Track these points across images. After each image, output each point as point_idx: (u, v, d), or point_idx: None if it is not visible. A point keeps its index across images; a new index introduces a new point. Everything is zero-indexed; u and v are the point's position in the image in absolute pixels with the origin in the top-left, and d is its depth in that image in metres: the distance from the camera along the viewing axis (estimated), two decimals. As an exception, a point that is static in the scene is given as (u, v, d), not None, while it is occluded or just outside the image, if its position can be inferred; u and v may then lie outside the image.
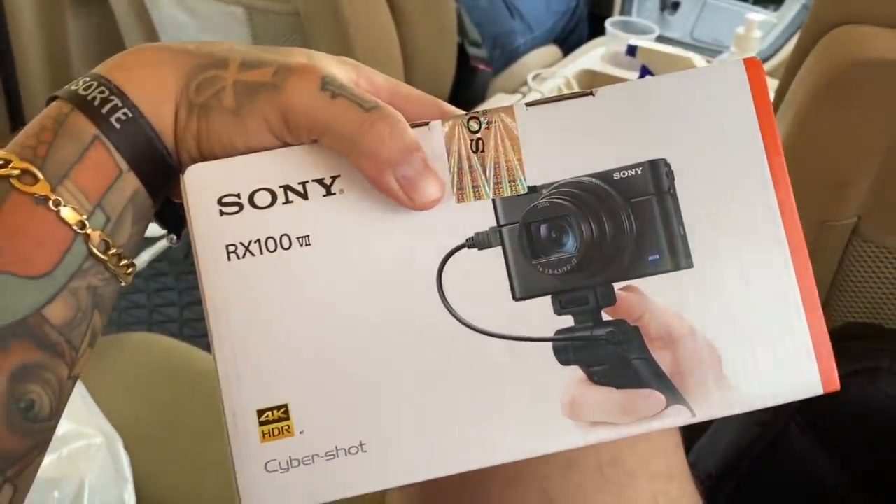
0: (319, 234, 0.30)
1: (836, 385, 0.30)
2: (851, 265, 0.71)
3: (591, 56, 1.53)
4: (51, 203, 0.28)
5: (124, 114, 0.30)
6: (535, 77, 1.45)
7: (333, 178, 0.30)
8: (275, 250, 0.30)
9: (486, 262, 0.30)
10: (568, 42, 1.77)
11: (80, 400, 0.68)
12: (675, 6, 1.95)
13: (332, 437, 0.30)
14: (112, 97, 0.30)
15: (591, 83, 1.47)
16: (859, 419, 0.56)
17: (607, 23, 1.53)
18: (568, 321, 0.30)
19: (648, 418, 0.30)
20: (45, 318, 0.28)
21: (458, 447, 0.30)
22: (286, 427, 0.30)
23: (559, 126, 0.30)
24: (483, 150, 0.30)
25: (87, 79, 0.30)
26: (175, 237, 0.35)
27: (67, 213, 0.29)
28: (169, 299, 1.55)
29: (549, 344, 0.30)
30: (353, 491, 0.30)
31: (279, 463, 0.30)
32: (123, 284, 0.32)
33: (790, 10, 1.76)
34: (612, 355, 0.30)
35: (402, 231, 0.30)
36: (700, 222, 0.30)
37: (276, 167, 0.30)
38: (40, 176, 0.29)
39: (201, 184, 0.30)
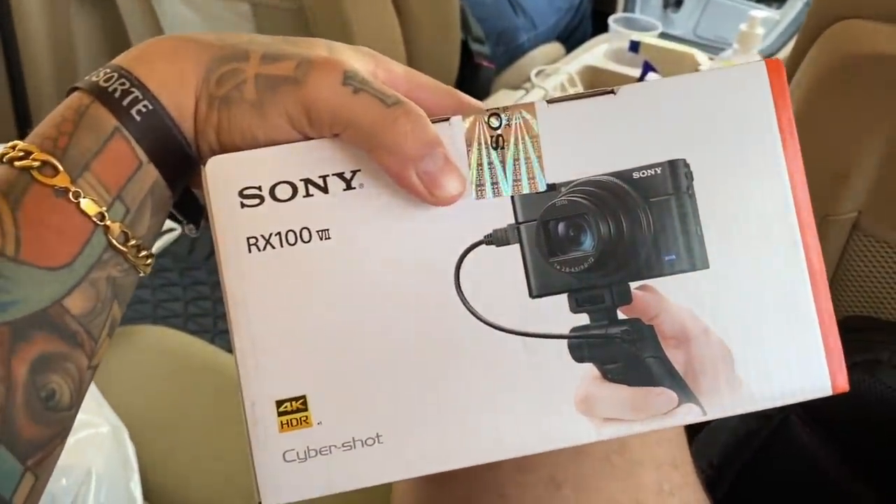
0: (339, 228, 0.30)
1: (845, 386, 0.31)
2: (852, 259, 0.72)
3: (595, 53, 1.53)
4: (71, 195, 0.29)
5: (145, 106, 0.30)
6: (538, 73, 1.45)
7: (354, 173, 0.30)
8: (295, 243, 0.30)
9: (504, 258, 0.30)
10: (571, 39, 1.77)
11: (87, 391, 0.68)
12: (679, 3, 1.95)
13: (350, 429, 0.30)
14: (133, 89, 0.30)
15: (593, 79, 1.47)
16: (859, 410, 0.56)
17: (610, 19, 1.53)
18: (583, 319, 0.30)
19: (660, 416, 0.30)
20: (65, 309, 0.29)
21: (473, 440, 0.30)
22: (304, 418, 0.30)
23: (579, 124, 0.31)
24: (503, 147, 0.31)
25: (108, 70, 0.31)
26: (194, 227, 0.35)
27: (87, 204, 0.29)
28: (173, 294, 1.55)
29: (565, 341, 0.30)
30: (370, 481, 0.30)
31: (297, 453, 0.30)
32: (142, 275, 0.32)
33: (793, 8, 1.76)
34: (627, 353, 0.30)
35: (421, 226, 0.30)
36: (717, 223, 0.30)
37: (296, 161, 0.30)
38: (60, 168, 0.29)
39: (223, 175, 0.30)
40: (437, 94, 0.33)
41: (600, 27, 1.71)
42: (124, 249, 0.30)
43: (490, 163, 0.31)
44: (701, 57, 1.38)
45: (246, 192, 0.30)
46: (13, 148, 0.29)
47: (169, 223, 0.34)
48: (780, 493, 0.62)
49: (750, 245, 0.31)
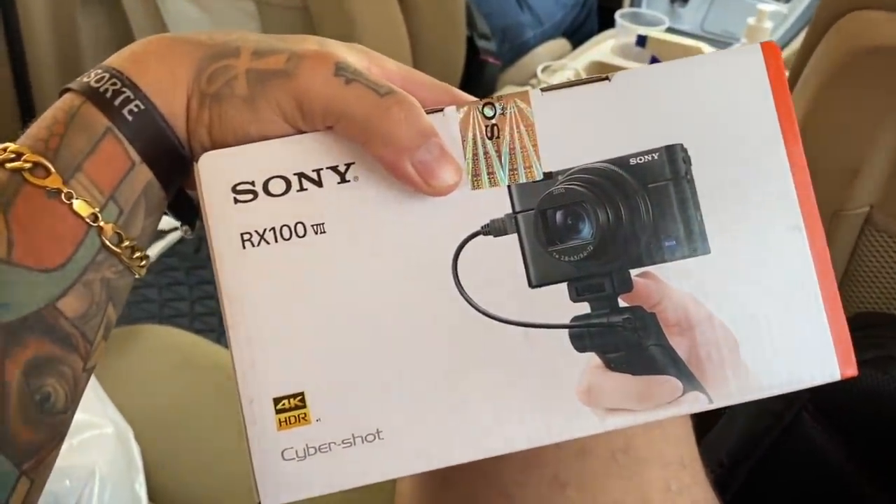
0: (334, 221, 0.30)
1: (853, 370, 0.30)
2: (864, 255, 0.71)
3: (601, 48, 1.53)
4: (63, 196, 0.28)
5: (136, 106, 0.30)
6: (544, 69, 1.45)
7: (348, 166, 0.30)
8: (290, 238, 0.30)
9: (502, 248, 0.30)
10: (578, 35, 1.76)
11: (90, 391, 0.69)
12: (686, -2, 1.94)
13: (349, 425, 0.30)
14: (124, 89, 0.30)
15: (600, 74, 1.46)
16: (871, 407, 0.56)
17: (617, 14, 1.53)
18: (584, 308, 0.30)
19: (665, 405, 0.30)
20: (59, 311, 0.28)
21: (475, 434, 0.30)
22: (303, 415, 0.30)
23: (575, 111, 0.30)
24: (498, 137, 0.30)
25: (100, 71, 0.30)
26: (189, 228, 0.35)
27: (80, 205, 0.29)
28: (179, 294, 1.56)
29: (566, 331, 0.30)
30: (370, 478, 0.30)
31: (296, 451, 0.30)
32: (137, 277, 0.32)
33: (801, 1, 1.75)
34: (629, 342, 0.30)
35: (418, 218, 0.30)
36: (717, 208, 0.30)
37: (290, 155, 0.30)
38: (52, 169, 0.28)
39: (215, 171, 0.30)
40: (433, 90, 0.33)
41: (606, 22, 1.70)
42: (118, 251, 0.30)
43: (486, 153, 0.30)
44: (708, 51, 1.37)
45: (239, 188, 0.30)
46: (4, 150, 0.29)
47: (173, 222, 0.34)
48: (791, 491, 0.61)
49: (752, 229, 0.30)
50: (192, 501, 0.70)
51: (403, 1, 1.29)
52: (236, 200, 0.30)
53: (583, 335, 0.30)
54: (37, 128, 0.30)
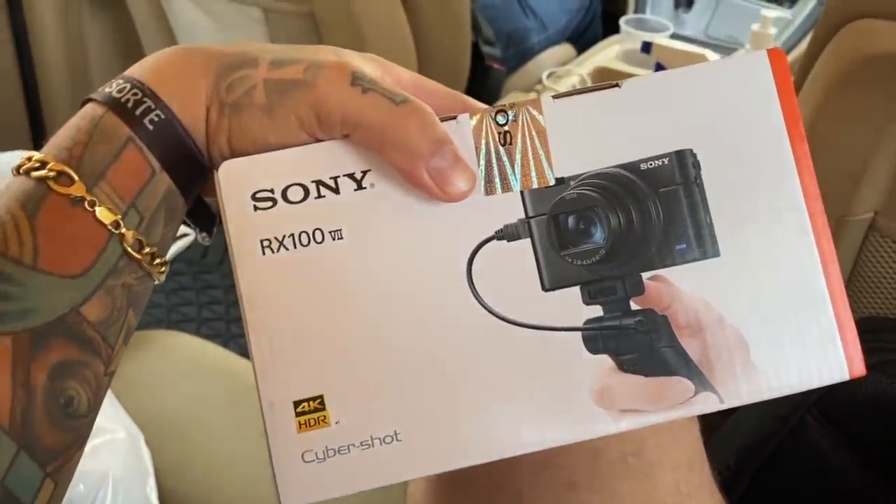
0: (351, 227, 0.30)
1: (861, 370, 0.31)
2: (868, 260, 0.71)
3: (606, 54, 1.54)
4: (86, 204, 0.29)
5: (157, 115, 0.30)
6: (549, 75, 1.45)
7: (364, 173, 0.31)
8: (308, 244, 0.30)
9: (516, 253, 0.30)
10: (582, 40, 1.77)
11: (103, 396, 0.69)
12: (690, 4, 1.94)
13: (368, 427, 0.30)
14: (145, 99, 0.30)
15: (605, 80, 1.46)
16: (877, 411, 0.56)
17: (622, 21, 1.53)
18: (597, 311, 0.30)
19: (677, 405, 0.30)
20: (82, 316, 0.29)
21: (490, 436, 0.30)
22: (322, 417, 0.30)
23: (586, 118, 0.31)
24: (511, 143, 0.31)
25: (121, 81, 0.31)
26: (206, 235, 0.35)
27: (103, 213, 0.29)
28: (187, 299, 1.56)
29: (579, 333, 0.30)
30: (388, 480, 0.30)
31: (316, 453, 0.30)
32: (157, 282, 0.33)
33: (805, 7, 1.75)
34: (641, 344, 0.30)
35: (432, 223, 0.30)
36: (726, 211, 0.30)
37: (307, 163, 0.31)
38: (76, 177, 0.29)
39: (235, 179, 0.31)
40: (445, 98, 0.33)
41: (611, 28, 1.71)
42: (139, 257, 0.30)
43: (498, 159, 0.31)
44: (713, 58, 1.38)
45: (258, 195, 0.30)
46: (29, 159, 0.29)
47: (182, 228, 0.35)
48: (796, 495, 0.62)
49: (760, 232, 0.31)
50: (203, 505, 0.70)
51: (409, 7, 1.30)
52: (256, 208, 0.30)
53: (596, 337, 0.30)
54: (60, 137, 0.30)
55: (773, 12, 1.34)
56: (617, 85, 0.31)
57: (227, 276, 1.60)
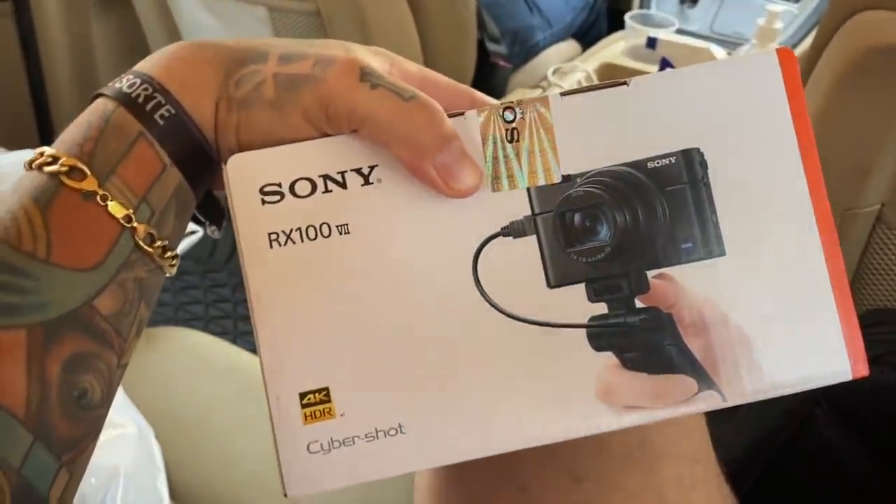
0: (358, 222, 0.31)
1: (864, 371, 0.31)
2: (875, 253, 0.71)
3: (611, 50, 1.53)
4: (98, 198, 0.29)
5: (167, 110, 0.31)
6: (554, 72, 1.45)
7: (371, 168, 0.31)
8: (315, 238, 0.31)
9: (521, 249, 0.31)
10: (587, 37, 1.77)
11: (113, 392, 0.69)
12: (695, -1, 1.94)
13: (372, 420, 0.30)
14: (155, 94, 0.31)
15: (611, 77, 1.46)
16: (884, 403, 0.56)
17: (627, 16, 1.53)
18: (602, 308, 0.31)
19: (680, 403, 0.31)
20: (95, 309, 0.29)
21: (495, 430, 0.30)
22: (328, 409, 0.30)
23: (593, 115, 0.31)
24: (518, 140, 0.31)
25: (131, 76, 0.31)
26: (216, 228, 0.36)
27: (115, 207, 0.29)
28: (194, 297, 1.57)
29: (584, 330, 0.31)
30: (393, 472, 0.30)
31: (321, 444, 0.30)
32: (168, 276, 0.33)
33: (811, 1, 1.74)
34: (646, 342, 0.31)
35: (439, 219, 0.31)
36: (732, 211, 0.31)
37: (315, 157, 0.31)
38: (88, 172, 0.29)
39: (243, 173, 0.31)
40: (452, 92, 0.34)
41: (615, 24, 1.70)
42: (150, 250, 0.31)
43: (505, 156, 0.31)
44: (718, 53, 1.38)
45: (266, 189, 0.31)
46: (41, 154, 0.30)
47: (190, 226, 0.35)
48: (805, 487, 0.62)
49: (766, 232, 0.31)
50: (213, 499, 0.71)
51: (414, 5, 1.30)
52: (263, 201, 0.31)
53: (600, 335, 0.30)
54: (71, 132, 0.31)
55: (779, 7, 1.34)
56: (625, 83, 0.31)
57: (234, 275, 1.60)
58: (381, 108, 0.30)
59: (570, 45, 1.72)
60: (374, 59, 0.33)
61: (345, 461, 0.30)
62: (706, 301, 0.31)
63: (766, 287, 0.31)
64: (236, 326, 1.52)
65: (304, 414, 0.30)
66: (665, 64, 1.38)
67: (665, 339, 0.30)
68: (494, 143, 0.31)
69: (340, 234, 0.31)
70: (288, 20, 1.34)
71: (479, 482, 0.36)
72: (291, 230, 0.31)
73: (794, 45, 1.58)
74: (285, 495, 0.31)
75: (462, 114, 0.31)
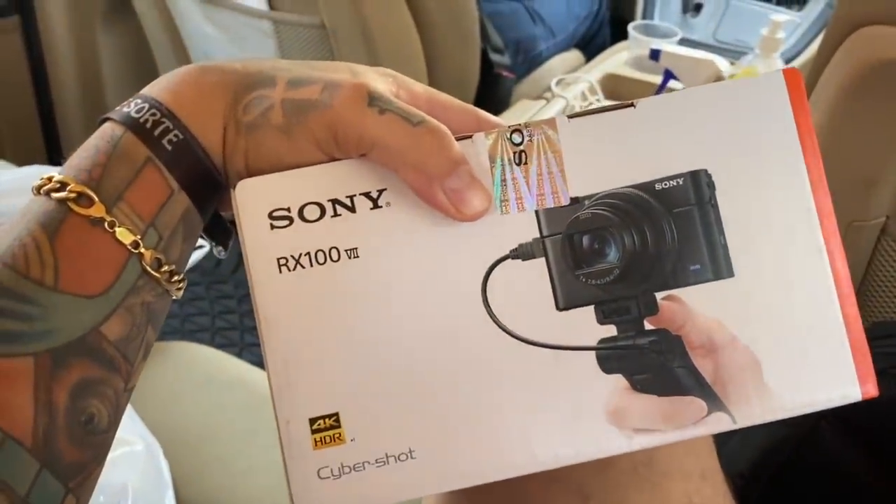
0: (367, 246, 0.31)
1: (874, 392, 0.31)
2: (880, 265, 0.71)
3: (615, 60, 1.53)
4: (106, 224, 0.29)
5: (175, 136, 0.31)
6: (558, 82, 1.45)
7: (380, 192, 0.31)
8: (324, 262, 0.31)
9: (530, 272, 0.31)
10: (590, 46, 1.77)
11: (120, 408, 0.70)
12: (698, 8, 1.94)
13: (382, 445, 0.30)
14: (163, 119, 0.31)
15: (615, 87, 1.47)
16: (890, 417, 0.56)
17: (630, 27, 1.53)
18: (611, 330, 0.31)
19: (690, 425, 0.30)
20: (102, 335, 0.29)
21: (505, 453, 0.30)
22: (338, 435, 0.30)
23: (601, 138, 0.31)
24: (526, 163, 0.31)
25: (139, 101, 0.31)
26: (222, 249, 0.36)
27: (122, 233, 0.30)
28: (201, 308, 1.57)
29: (593, 353, 0.31)
30: (403, 497, 0.30)
31: (331, 470, 0.30)
32: (175, 299, 0.33)
33: (814, 10, 1.75)
34: (655, 364, 0.31)
35: (448, 242, 0.31)
36: (741, 232, 0.31)
37: (324, 181, 0.31)
38: (96, 198, 0.29)
39: (252, 198, 0.31)
40: (458, 112, 0.34)
41: (618, 33, 1.71)
42: (158, 275, 0.31)
43: (513, 178, 0.31)
44: (722, 64, 1.38)
45: (275, 214, 0.31)
46: (49, 179, 0.30)
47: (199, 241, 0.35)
48: (811, 502, 0.61)
49: (774, 253, 0.31)
50: (220, 515, 0.71)
51: (418, 17, 1.30)
52: (272, 226, 0.31)
53: (610, 357, 0.30)
54: (79, 158, 0.31)
55: (783, 16, 1.34)
56: (632, 104, 0.31)
57: (240, 286, 1.61)
58: (390, 134, 0.30)
59: (574, 55, 1.72)
60: (381, 82, 0.33)
61: (355, 486, 0.30)
62: (715, 322, 0.31)
63: (775, 308, 0.31)
64: (242, 338, 1.52)
65: (315, 439, 0.30)
66: (669, 76, 1.39)
67: (674, 361, 0.30)
68: (502, 165, 0.31)
69: (349, 257, 0.31)
70: (293, 33, 1.34)
71: (484, 501, 0.36)
72: (300, 255, 0.31)
73: (797, 55, 1.59)
74: None
75: (470, 137, 0.31)
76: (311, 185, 0.31)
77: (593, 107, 0.40)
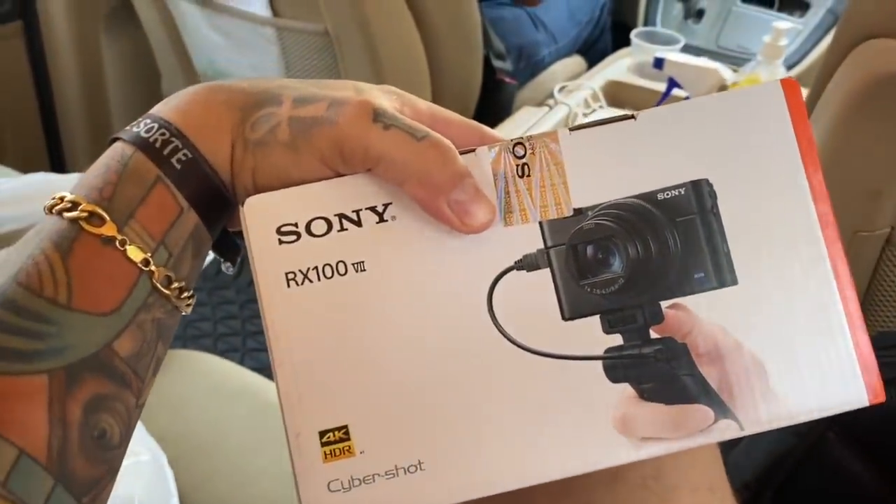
0: (373, 259, 0.31)
1: (881, 397, 0.31)
2: (885, 275, 0.71)
3: (617, 67, 1.54)
4: (117, 243, 0.30)
5: (184, 154, 0.31)
6: (561, 89, 1.46)
7: (385, 206, 0.31)
8: (332, 277, 0.31)
9: (535, 283, 0.31)
10: (592, 52, 1.78)
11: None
12: (700, 14, 1.95)
13: (392, 457, 0.31)
14: (172, 139, 0.31)
15: (617, 94, 1.47)
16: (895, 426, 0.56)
17: (632, 34, 1.54)
18: (617, 339, 0.31)
19: (698, 433, 0.31)
20: (114, 352, 0.30)
21: (513, 464, 0.31)
22: (347, 447, 0.31)
23: (602, 149, 0.31)
24: (529, 175, 0.31)
25: (148, 121, 0.32)
26: (230, 265, 0.36)
27: (133, 251, 0.30)
28: (203, 314, 1.57)
29: (600, 362, 0.31)
30: None
31: (341, 482, 0.30)
32: (184, 314, 0.33)
33: (815, 16, 1.75)
34: (661, 372, 0.31)
35: (453, 255, 0.31)
36: (743, 240, 0.31)
37: (330, 197, 0.31)
38: (107, 217, 0.30)
39: (260, 214, 0.31)
40: (461, 127, 0.34)
41: (620, 39, 1.71)
42: (168, 292, 0.31)
43: (517, 190, 0.31)
44: (725, 72, 1.38)
45: (283, 229, 0.31)
46: (62, 199, 0.30)
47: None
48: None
49: (777, 260, 0.31)
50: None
51: (421, 22, 1.31)
52: (280, 241, 0.31)
53: (616, 366, 0.31)
54: (90, 177, 0.31)
55: (785, 23, 1.34)
56: (633, 116, 0.31)
57: (242, 292, 1.61)
58: (395, 149, 0.30)
59: (576, 61, 1.73)
60: (385, 98, 0.33)
61: (365, 499, 0.30)
62: (720, 330, 0.31)
63: (779, 315, 0.31)
64: (245, 343, 1.52)
65: (324, 452, 0.31)
66: (672, 84, 1.39)
67: (681, 369, 0.31)
68: (506, 178, 0.31)
69: (357, 271, 0.31)
70: (296, 39, 1.35)
71: None
72: (308, 269, 0.31)
73: (799, 61, 1.59)
74: None
75: (473, 150, 0.32)
76: (318, 201, 0.31)
77: (595, 118, 0.40)
